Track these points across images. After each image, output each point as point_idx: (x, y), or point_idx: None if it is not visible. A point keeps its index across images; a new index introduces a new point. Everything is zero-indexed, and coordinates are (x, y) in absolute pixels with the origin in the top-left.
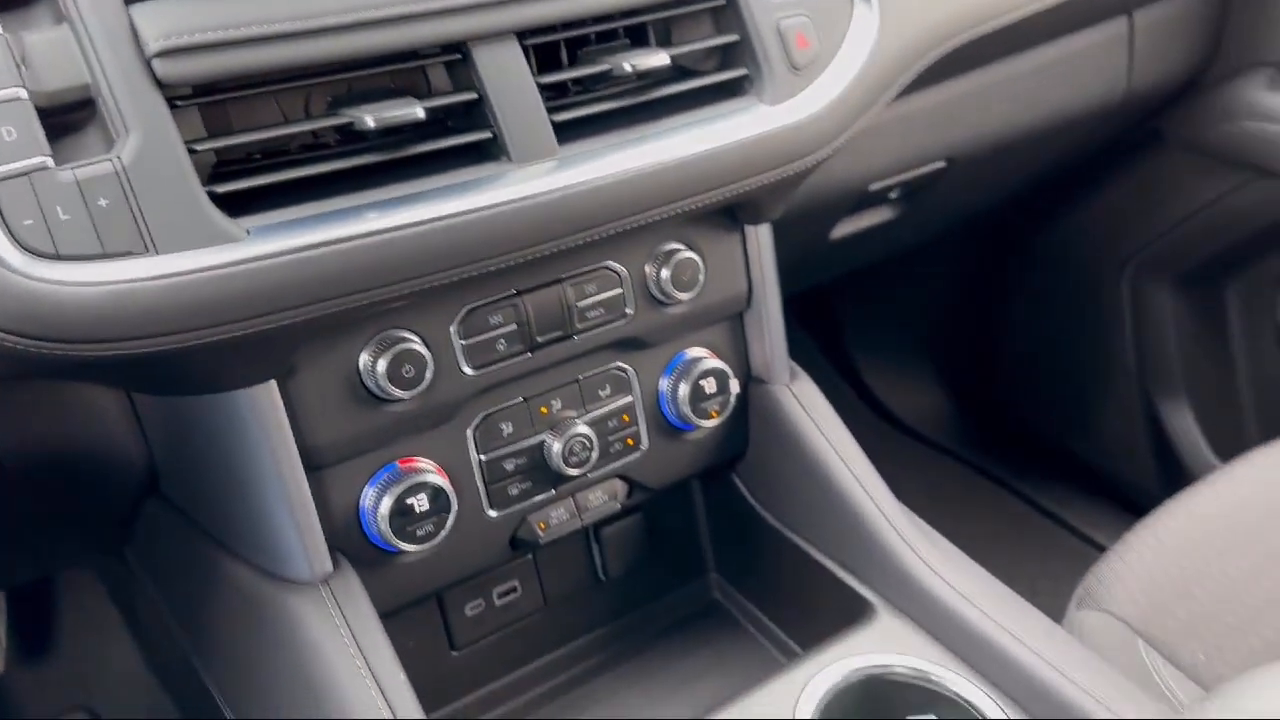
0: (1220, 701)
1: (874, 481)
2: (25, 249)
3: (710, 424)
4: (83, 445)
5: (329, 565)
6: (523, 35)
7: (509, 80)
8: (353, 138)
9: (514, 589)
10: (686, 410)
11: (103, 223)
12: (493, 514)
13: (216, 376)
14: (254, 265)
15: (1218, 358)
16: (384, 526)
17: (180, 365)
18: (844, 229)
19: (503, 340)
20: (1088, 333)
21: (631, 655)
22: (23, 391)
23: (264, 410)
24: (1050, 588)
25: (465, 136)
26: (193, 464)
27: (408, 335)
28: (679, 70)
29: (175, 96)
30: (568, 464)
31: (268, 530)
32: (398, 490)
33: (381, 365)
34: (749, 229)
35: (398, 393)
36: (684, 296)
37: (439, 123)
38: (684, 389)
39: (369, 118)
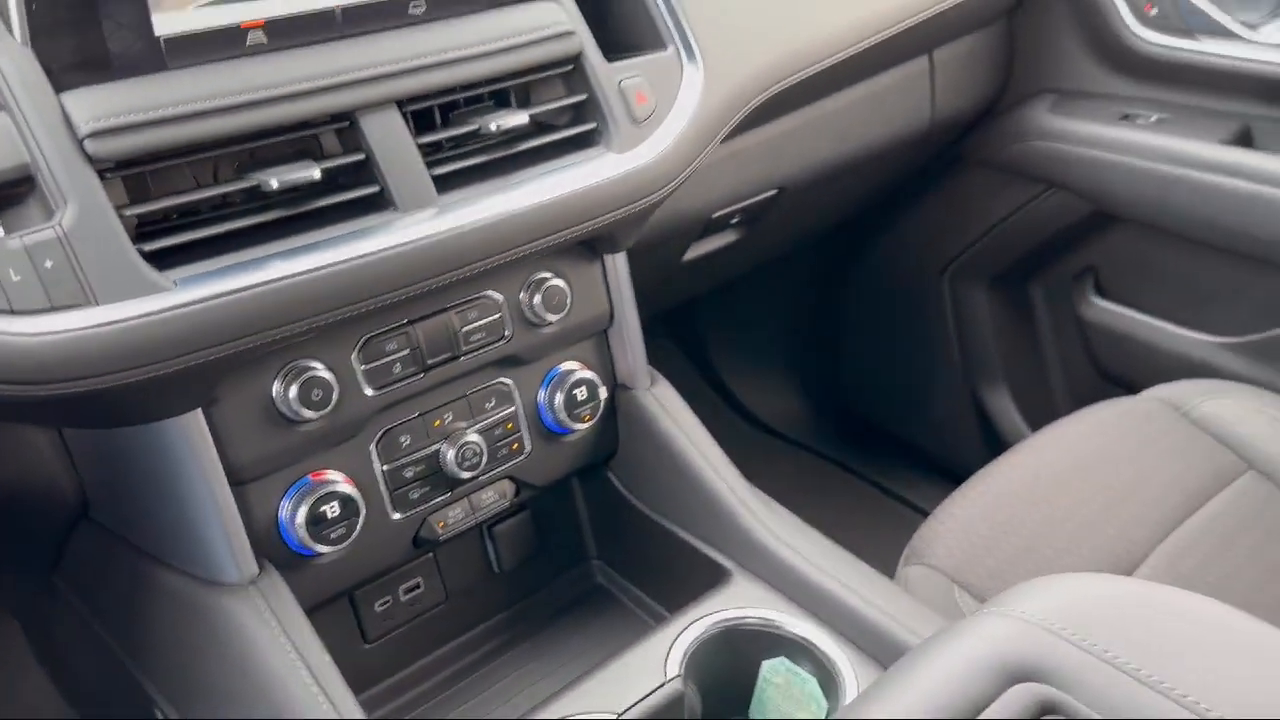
0: (990, 606)
1: (726, 467)
2: None
3: (584, 427)
4: (13, 479)
5: (255, 568)
6: (402, 103)
7: (392, 142)
8: (258, 196)
9: (418, 585)
10: (563, 416)
11: (50, 281)
12: (396, 516)
13: (152, 408)
14: (181, 311)
15: (1028, 346)
16: (301, 533)
17: (121, 400)
18: (694, 252)
19: (398, 363)
20: (917, 330)
21: (526, 637)
22: None
23: (192, 435)
24: (886, 550)
25: (356, 191)
26: (125, 487)
27: (314, 364)
28: (538, 126)
29: (103, 170)
30: (461, 468)
31: (199, 540)
32: (311, 499)
33: (293, 391)
34: (607, 258)
35: (308, 414)
36: (554, 318)
37: (332, 180)
38: (559, 398)
39: (273, 180)
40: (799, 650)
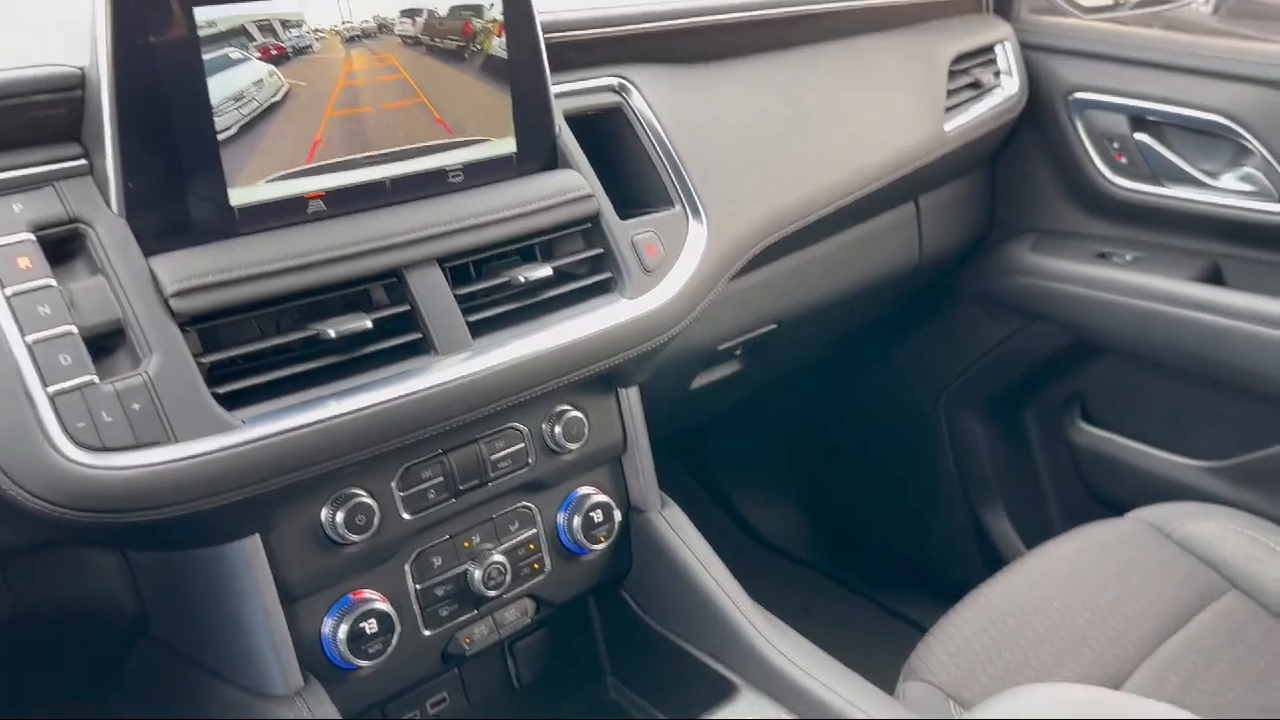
0: (976, 712)
1: (732, 586)
2: (79, 444)
3: (600, 548)
4: (75, 597)
5: (301, 680)
6: (442, 261)
7: (433, 294)
8: (315, 343)
9: (444, 699)
10: (580, 537)
11: (136, 421)
12: (427, 633)
13: (218, 533)
14: (250, 446)
15: (1023, 468)
16: (342, 648)
17: (192, 526)
18: (701, 380)
19: (432, 490)
20: (914, 452)
21: None
22: (31, 557)
23: (251, 558)
24: (886, 665)
25: (401, 338)
26: (184, 604)
27: (359, 492)
28: (560, 275)
29: (184, 323)
30: (487, 587)
31: (251, 654)
32: (352, 617)
33: (339, 516)
34: (621, 390)
35: (352, 537)
36: (573, 447)
37: (379, 327)
38: (577, 520)
39: (331, 331)
40: None
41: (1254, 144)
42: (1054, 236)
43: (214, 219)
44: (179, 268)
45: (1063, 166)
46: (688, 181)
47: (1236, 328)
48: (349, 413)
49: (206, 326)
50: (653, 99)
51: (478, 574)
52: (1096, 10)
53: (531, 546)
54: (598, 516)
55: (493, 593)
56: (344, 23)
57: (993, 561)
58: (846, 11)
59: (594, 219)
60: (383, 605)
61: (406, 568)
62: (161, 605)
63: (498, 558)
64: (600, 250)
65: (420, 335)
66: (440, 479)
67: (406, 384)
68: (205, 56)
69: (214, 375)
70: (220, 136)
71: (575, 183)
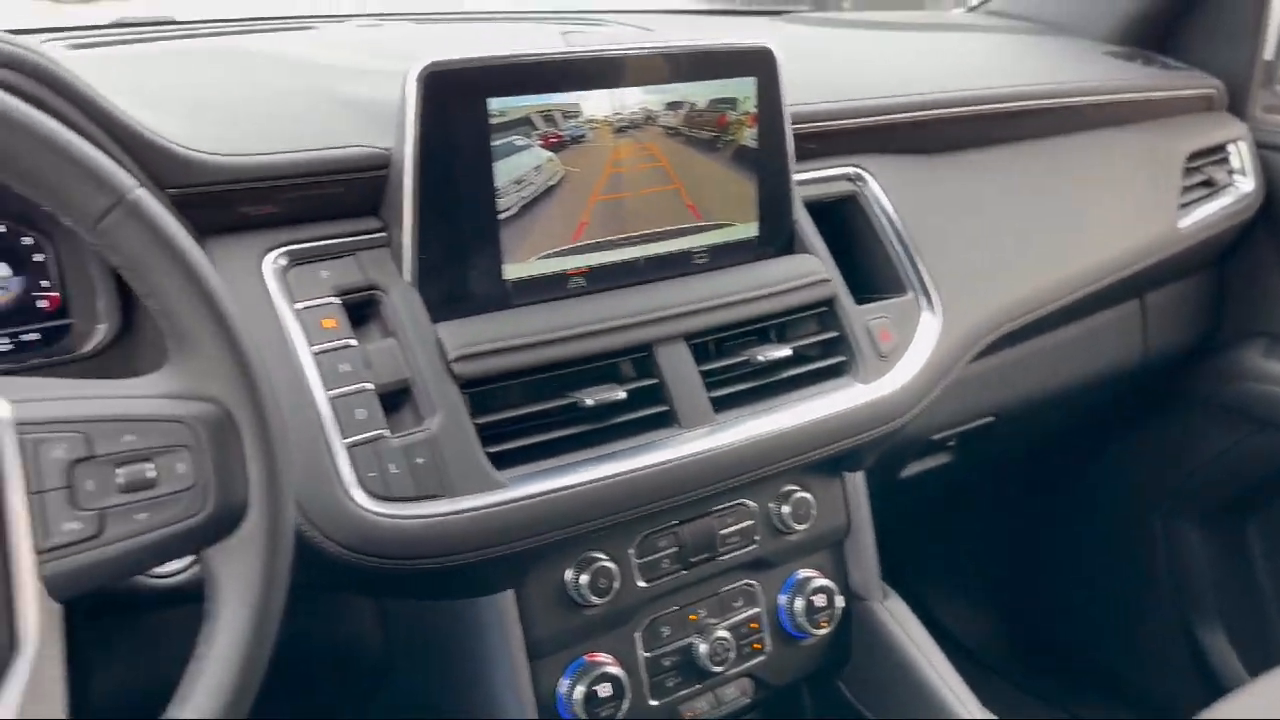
0: None
1: (961, 688)
2: (370, 493)
3: (820, 633)
4: (333, 641)
5: None
6: (688, 338)
7: (680, 369)
8: (570, 409)
9: None
10: (802, 621)
11: (419, 474)
12: (654, 703)
13: (478, 585)
14: (516, 505)
15: (1246, 584)
16: (577, 709)
17: (456, 577)
18: (910, 470)
19: (666, 559)
20: (1125, 561)
21: None
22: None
23: (504, 612)
24: None
25: (648, 409)
26: (431, 654)
27: (601, 555)
28: (797, 356)
29: (462, 385)
30: (713, 662)
31: (494, 706)
32: (587, 679)
33: (584, 579)
34: (847, 474)
35: (594, 600)
36: (800, 528)
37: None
38: (799, 603)
39: (589, 399)
40: None
41: None
42: None
43: (489, 291)
44: (461, 334)
45: None
46: (920, 269)
47: None
48: (604, 478)
49: (480, 390)
50: (887, 187)
51: (704, 648)
52: None
53: (753, 625)
54: (820, 601)
55: (718, 668)
56: (615, 114)
57: (1210, 685)
58: (1079, 107)
59: (830, 302)
60: (616, 670)
61: (637, 635)
62: (408, 653)
63: (723, 633)
64: (835, 333)
65: (667, 408)
66: (674, 549)
67: (654, 454)
68: (494, 143)
69: (484, 435)
70: (501, 216)
71: (813, 267)
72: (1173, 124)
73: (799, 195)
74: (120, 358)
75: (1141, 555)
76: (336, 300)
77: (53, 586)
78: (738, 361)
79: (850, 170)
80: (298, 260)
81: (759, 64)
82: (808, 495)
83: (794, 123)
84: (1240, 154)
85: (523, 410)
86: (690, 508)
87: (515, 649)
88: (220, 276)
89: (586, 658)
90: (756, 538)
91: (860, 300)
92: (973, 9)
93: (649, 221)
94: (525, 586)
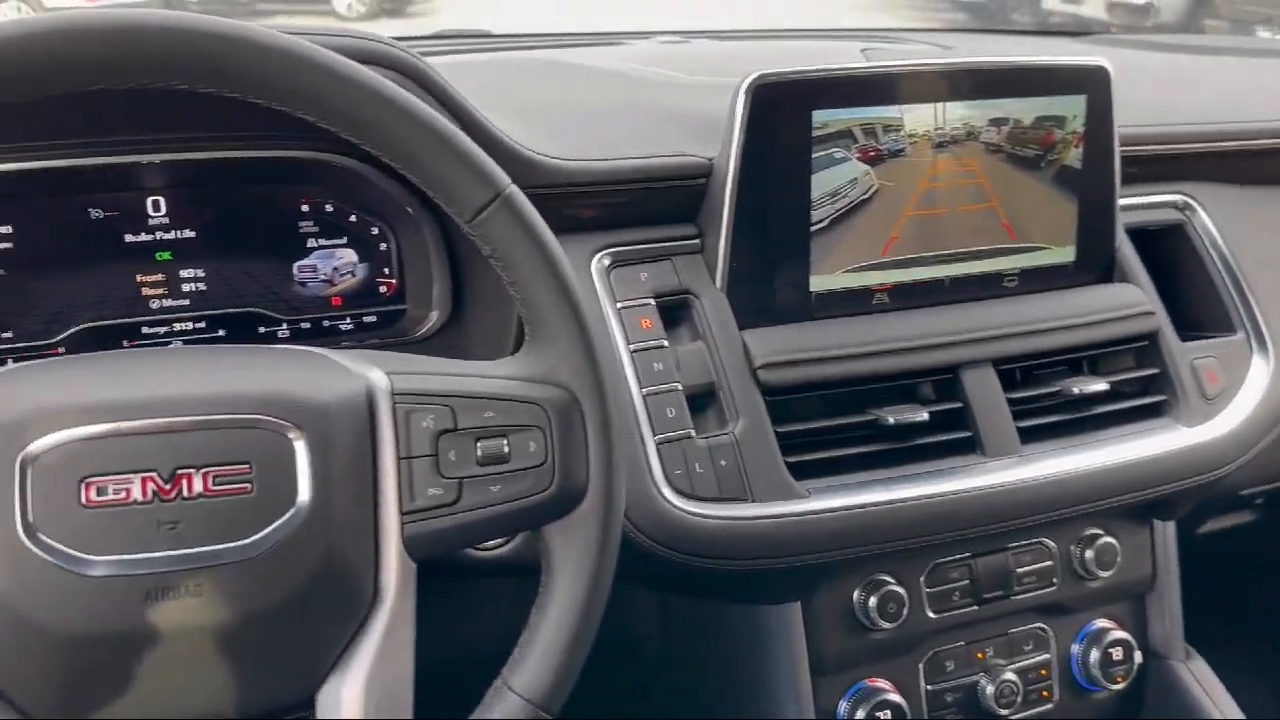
0: None
1: None
2: (675, 489)
3: (1115, 689)
4: (615, 636)
5: None
6: (996, 363)
7: (986, 395)
8: (870, 427)
9: None
10: (1096, 673)
11: (722, 476)
12: None
13: (769, 592)
14: (817, 516)
15: None
16: None
17: (750, 581)
18: (1210, 526)
19: (957, 592)
20: None
21: None
22: None
23: (790, 623)
24: None
25: (951, 434)
26: (708, 658)
27: (889, 580)
28: (1113, 392)
29: (765, 393)
30: (998, 705)
31: (771, 713)
32: (868, 704)
33: (872, 601)
34: (1156, 523)
35: (881, 624)
36: (1103, 574)
37: (930, 421)
38: (1094, 654)
39: (890, 418)
40: None
41: None
42: None
43: (794, 302)
44: (767, 342)
45: None
46: (1254, 308)
47: None
48: (904, 500)
49: (780, 399)
50: (1218, 219)
51: (990, 689)
52: None
53: (1043, 672)
54: (1117, 654)
55: (1004, 711)
56: (936, 129)
57: None
58: None
59: (1152, 337)
60: (896, 698)
61: (920, 666)
62: (687, 653)
63: (1010, 676)
64: (1156, 370)
65: (970, 434)
66: (966, 583)
67: (956, 481)
68: (813, 155)
69: (783, 445)
70: (813, 228)
71: (1135, 298)
72: None
73: (1122, 221)
74: (447, 345)
75: None
76: (653, 302)
77: (412, 547)
78: (1048, 392)
79: (1178, 198)
80: (620, 262)
81: (1093, 82)
82: (1113, 541)
83: (1120, 144)
84: None
85: (824, 423)
86: (985, 541)
87: (800, 662)
88: None
89: (867, 682)
90: (1054, 580)
91: (1183, 338)
92: None
93: (960, 240)
94: (812, 602)
